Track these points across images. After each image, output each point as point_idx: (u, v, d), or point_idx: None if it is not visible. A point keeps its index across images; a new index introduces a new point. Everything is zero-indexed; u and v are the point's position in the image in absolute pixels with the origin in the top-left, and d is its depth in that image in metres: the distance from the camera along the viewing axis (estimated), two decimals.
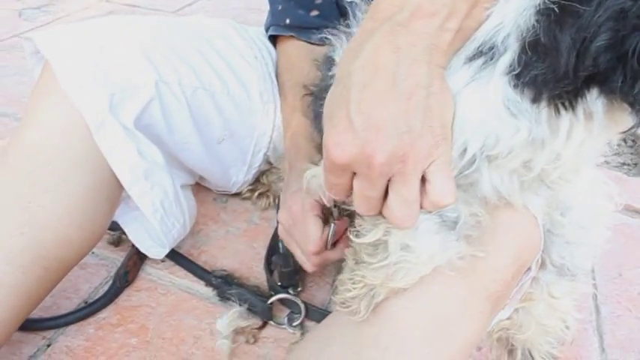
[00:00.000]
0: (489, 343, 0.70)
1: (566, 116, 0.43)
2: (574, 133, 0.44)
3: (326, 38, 0.63)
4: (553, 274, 0.62)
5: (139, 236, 0.86)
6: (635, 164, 1.34)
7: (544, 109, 0.43)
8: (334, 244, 0.74)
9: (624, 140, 1.41)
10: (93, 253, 0.95)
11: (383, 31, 0.44)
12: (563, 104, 0.42)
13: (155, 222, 0.80)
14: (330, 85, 0.50)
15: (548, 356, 0.65)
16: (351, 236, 0.53)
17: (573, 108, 0.42)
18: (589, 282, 0.70)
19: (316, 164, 0.68)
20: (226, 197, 1.09)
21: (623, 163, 1.34)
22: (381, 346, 0.51)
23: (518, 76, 0.43)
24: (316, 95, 0.68)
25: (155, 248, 0.87)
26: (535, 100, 0.43)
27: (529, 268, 0.60)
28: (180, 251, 0.96)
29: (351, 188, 0.49)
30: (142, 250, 0.86)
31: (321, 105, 0.51)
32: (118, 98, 0.73)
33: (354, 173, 0.47)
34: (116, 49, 0.75)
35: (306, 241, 0.72)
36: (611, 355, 0.87)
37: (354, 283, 0.53)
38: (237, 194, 1.08)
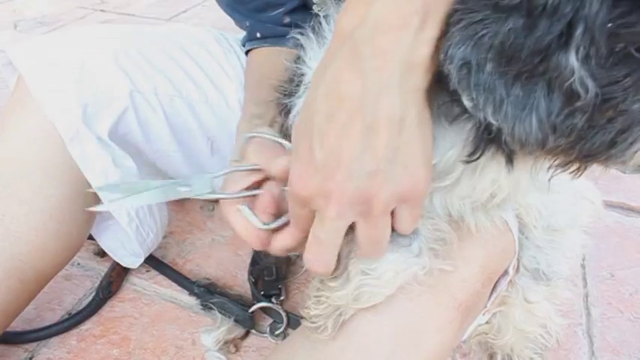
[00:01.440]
0: (469, 348, 0.69)
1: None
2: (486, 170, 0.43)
3: (294, 38, 0.61)
4: (527, 278, 0.61)
5: (112, 246, 0.86)
6: None
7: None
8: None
9: None
10: (78, 264, 0.95)
11: (344, 53, 0.38)
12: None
13: (131, 232, 0.80)
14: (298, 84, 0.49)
15: None
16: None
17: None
18: (574, 286, 0.69)
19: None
20: (213, 205, 1.09)
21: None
22: None
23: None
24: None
25: (128, 257, 0.87)
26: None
27: (506, 272, 0.59)
28: (166, 260, 0.96)
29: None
30: (115, 259, 0.87)
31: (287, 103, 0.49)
32: (91, 109, 0.73)
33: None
34: (89, 60, 0.75)
35: (245, 240, 0.59)
36: (601, 358, 0.85)
37: (319, 304, 0.52)
38: None
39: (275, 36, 0.83)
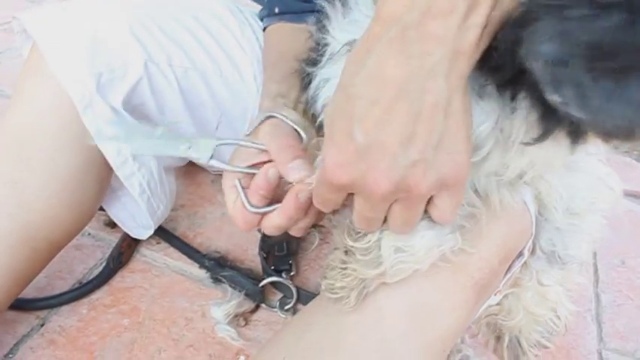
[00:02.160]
0: (478, 329, 0.69)
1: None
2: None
3: (320, 8, 0.59)
4: (542, 261, 0.60)
5: (122, 217, 0.86)
6: None
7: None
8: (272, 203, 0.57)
9: None
10: (89, 234, 0.96)
11: (391, 37, 0.37)
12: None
13: (142, 203, 0.80)
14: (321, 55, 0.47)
15: (538, 345, 0.64)
16: (345, 236, 0.51)
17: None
18: (585, 272, 0.68)
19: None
20: None
21: (633, 149, 1.30)
22: (360, 333, 0.51)
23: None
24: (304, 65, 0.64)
25: (138, 229, 0.87)
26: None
27: (521, 254, 0.58)
28: (176, 233, 0.96)
29: (341, 204, 0.45)
30: (125, 230, 0.87)
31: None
32: (105, 78, 0.73)
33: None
34: (104, 29, 0.74)
35: (232, 218, 0.58)
36: (609, 344, 0.86)
37: (344, 276, 0.51)
38: None
39: (294, 12, 0.82)
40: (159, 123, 0.83)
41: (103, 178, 0.78)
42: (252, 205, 0.54)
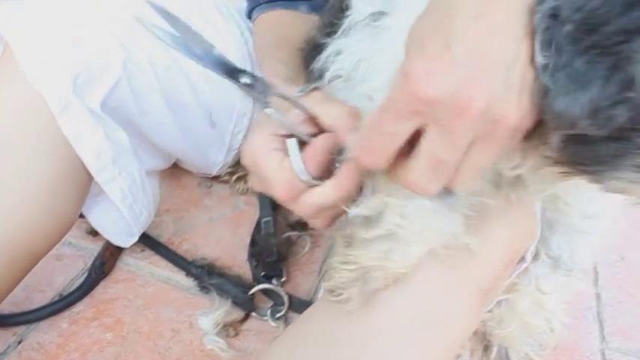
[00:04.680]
0: None
1: None
2: None
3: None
4: (546, 266, 0.58)
5: (103, 224, 0.82)
6: None
7: None
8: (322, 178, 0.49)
9: None
10: (70, 243, 0.91)
11: None
12: None
13: (124, 209, 0.77)
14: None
15: (526, 359, 0.61)
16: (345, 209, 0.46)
17: None
18: (586, 280, 0.65)
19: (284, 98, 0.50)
20: (211, 182, 1.05)
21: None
22: (359, 345, 0.47)
23: None
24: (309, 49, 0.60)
25: (120, 237, 0.83)
26: None
27: (523, 259, 0.56)
28: (161, 239, 0.92)
29: (397, 153, 0.38)
30: (107, 238, 0.83)
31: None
32: (82, 79, 0.69)
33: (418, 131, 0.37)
34: (81, 26, 0.71)
35: (270, 185, 0.49)
36: (612, 343, 0.83)
37: (346, 264, 0.48)
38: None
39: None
40: (140, 124, 0.80)
41: (83, 183, 0.75)
42: (308, 173, 0.45)
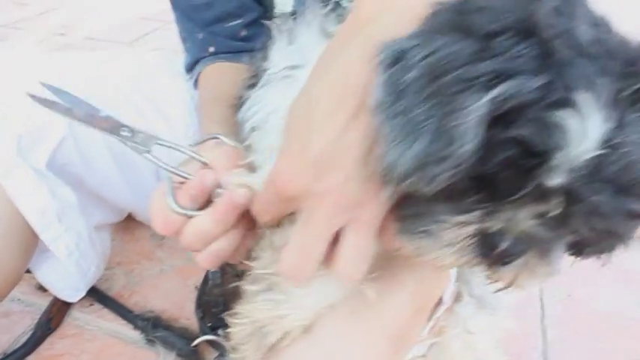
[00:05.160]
0: None
1: None
2: None
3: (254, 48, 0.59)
4: (472, 306, 0.58)
5: (50, 279, 0.82)
6: None
7: None
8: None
9: None
10: (18, 299, 0.91)
11: (360, 42, 0.35)
12: None
13: (70, 265, 0.77)
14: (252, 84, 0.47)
15: None
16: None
17: None
18: (528, 307, 0.66)
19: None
20: None
21: None
22: None
23: None
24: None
25: (68, 291, 0.84)
26: None
27: (441, 301, 0.57)
28: (111, 292, 0.92)
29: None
30: (55, 293, 0.84)
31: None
32: (27, 140, 0.71)
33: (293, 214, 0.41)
34: (22, 88, 0.72)
35: (152, 220, 0.50)
36: None
37: (241, 319, 0.49)
38: None
39: (229, 51, 0.82)
40: (88, 181, 0.81)
41: (28, 240, 0.75)
42: (178, 205, 0.47)
